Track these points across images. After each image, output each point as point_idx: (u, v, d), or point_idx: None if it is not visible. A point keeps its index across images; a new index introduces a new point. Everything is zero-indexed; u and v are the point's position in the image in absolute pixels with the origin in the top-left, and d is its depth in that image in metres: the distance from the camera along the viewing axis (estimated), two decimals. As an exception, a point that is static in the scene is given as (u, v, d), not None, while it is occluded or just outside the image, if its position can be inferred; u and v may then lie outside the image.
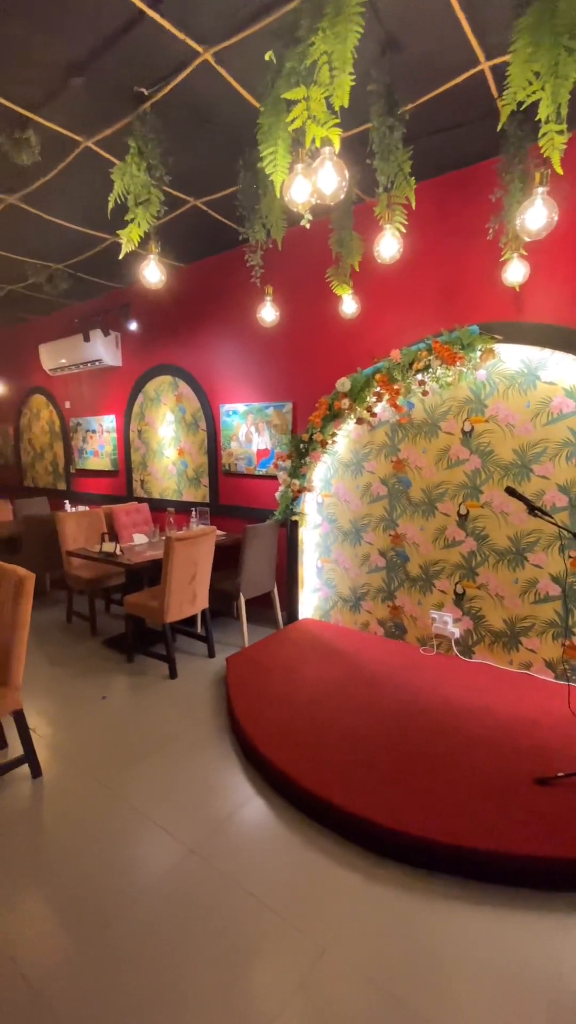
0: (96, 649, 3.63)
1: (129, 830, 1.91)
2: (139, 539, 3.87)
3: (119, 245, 3.65)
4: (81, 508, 5.13)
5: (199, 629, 3.87)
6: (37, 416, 6.31)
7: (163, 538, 3.93)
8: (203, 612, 3.43)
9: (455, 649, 3.09)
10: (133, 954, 1.46)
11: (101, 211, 3.16)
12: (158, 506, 4.82)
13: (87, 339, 4.74)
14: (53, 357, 5.41)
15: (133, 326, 4.66)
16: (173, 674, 3.16)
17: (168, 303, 4.45)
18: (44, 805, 2.08)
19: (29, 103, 2.25)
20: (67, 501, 5.41)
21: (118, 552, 3.40)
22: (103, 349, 4.86)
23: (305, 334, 3.61)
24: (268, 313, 2.98)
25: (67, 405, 5.81)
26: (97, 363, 4.99)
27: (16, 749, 2.38)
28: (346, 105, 1.51)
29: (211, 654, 3.46)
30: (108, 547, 3.45)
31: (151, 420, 4.80)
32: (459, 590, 3.05)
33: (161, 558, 3.17)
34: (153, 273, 2.39)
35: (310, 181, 1.72)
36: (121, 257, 2.33)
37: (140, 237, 2.23)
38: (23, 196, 3.02)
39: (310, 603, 3.83)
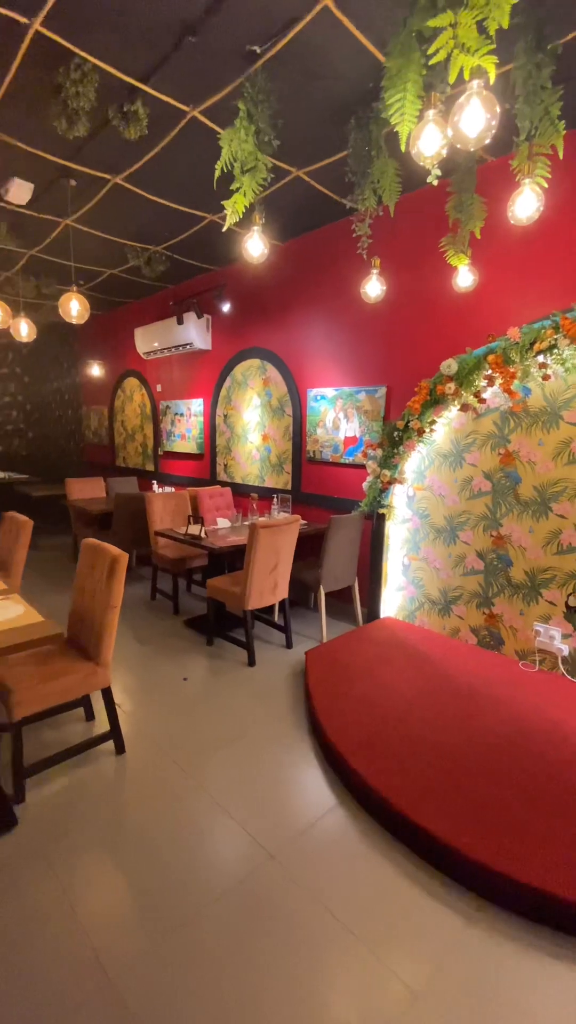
0: (177, 628, 3.68)
1: (209, 825, 1.87)
2: (222, 523, 3.85)
3: (217, 225, 3.59)
4: (167, 489, 5.26)
5: (277, 618, 3.81)
6: (130, 398, 6.54)
7: (245, 523, 3.90)
8: (282, 602, 3.35)
9: (562, 668, 2.75)
10: (208, 958, 1.40)
11: (201, 187, 3.12)
12: (240, 491, 4.80)
13: (180, 322, 4.78)
14: (147, 340, 5.54)
15: (226, 307, 4.63)
16: (251, 661, 3.11)
17: (261, 284, 4.36)
18: (126, 785, 2.10)
19: (139, 73, 2.19)
20: (154, 482, 5.57)
21: (203, 535, 3.40)
22: (195, 332, 4.89)
23: (408, 311, 3.35)
24: (373, 288, 2.77)
25: (158, 388, 5.96)
26: (188, 347, 5.04)
27: (102, 724, 2.44)
28: (505, 26, 1.26)
29: (289, 644, 3.37)
30: (194, 530, 3.46)
31: (237, 404, 4.77)
32: (572, 603, 2.70)
33: (243, 544, 3.11)
34: (256, 246, 2.27)
35: (444, 128, 1.49)
36: (225, 229, 2.23)
37: (245, 208, 2.11)
38: (128, 176, 3.02)
39: (393, 602, 3.62)
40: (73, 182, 3.08)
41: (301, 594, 4.23)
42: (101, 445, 7.35)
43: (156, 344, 5.37)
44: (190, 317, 4.85)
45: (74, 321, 3.29)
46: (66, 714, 2.51)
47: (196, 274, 4.91)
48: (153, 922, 1.51)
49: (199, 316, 4.78)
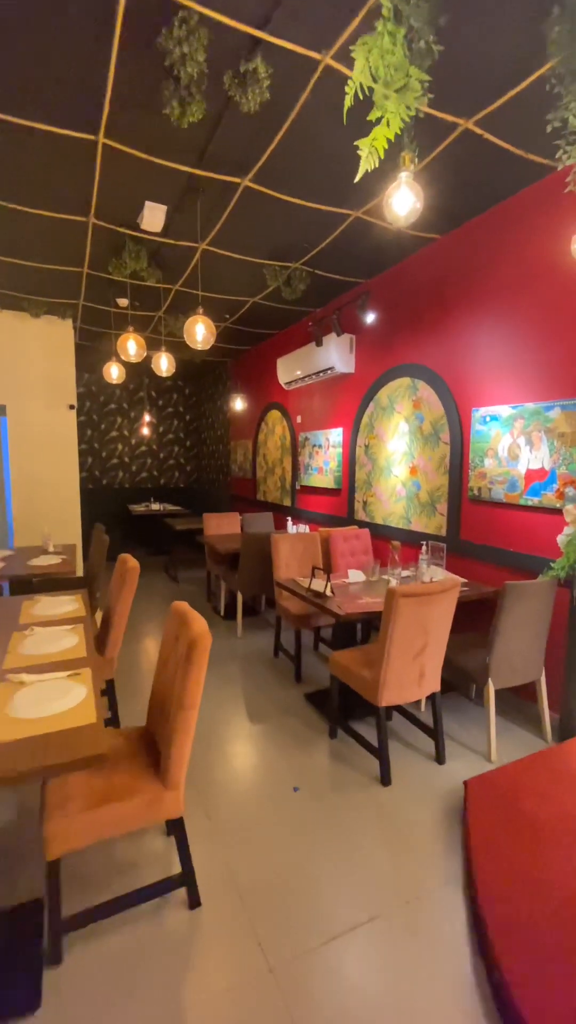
0: (296, 703, 3.02)
1: None
2: (354, 576, 3.13)
3: (362, 225, 2.99)
4: (300, 527, 4.74)
5: (423, 707, 2.91)
6: (272, 431, 6.31)
7: (384, 577, 3.11)
8: (433, 695, 2.46)
9: None
10: None
11: (341, 173, 2.57)
12: (381, 533, 4.03)
13: (319, 343, 4.31)
14: (288, 369, 5.22)
15: (370, 319, 4.02)
16: (385, 779, 2.27)
17: (413, 288, 3.65)
18: (194, 960, 1.46)
19: (252, 16, 1.73)
20: (289, 518, 5.11)
21: (328, 592, 2.71)
22: (336, 355, 4.36)
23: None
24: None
25: (298, 419, 5.58)
26: (329, 372, 4.53)
27: (174, 860, 1.85)
28: None
29: (440, 758, 2.44)
30: (317, 584, 2.81)
31: (381, 432, 4.06)
32: None
33: (379, 610, 2.34)
34: (403, 201, 1.58)
35: None
36: (358, 179, 1.59)
37: (387, 145, 1.45)
38: (256, 173, 2.63)
39: (604, 711, 2.44)
40: (200, 193, 2.81)
41: (460, 680, 3.24)
42: (245, 479, 7.27)
43: (298, 372, 5.00)
44: (330, 339, 4.35)
45: (199, 346, 2.99)
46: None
47: (339, 292, 4.42)
48: None
49: (338, 333, 4.25)
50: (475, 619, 3.09)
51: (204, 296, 4.50)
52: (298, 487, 5.58)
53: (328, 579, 2.74)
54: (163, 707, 1.72)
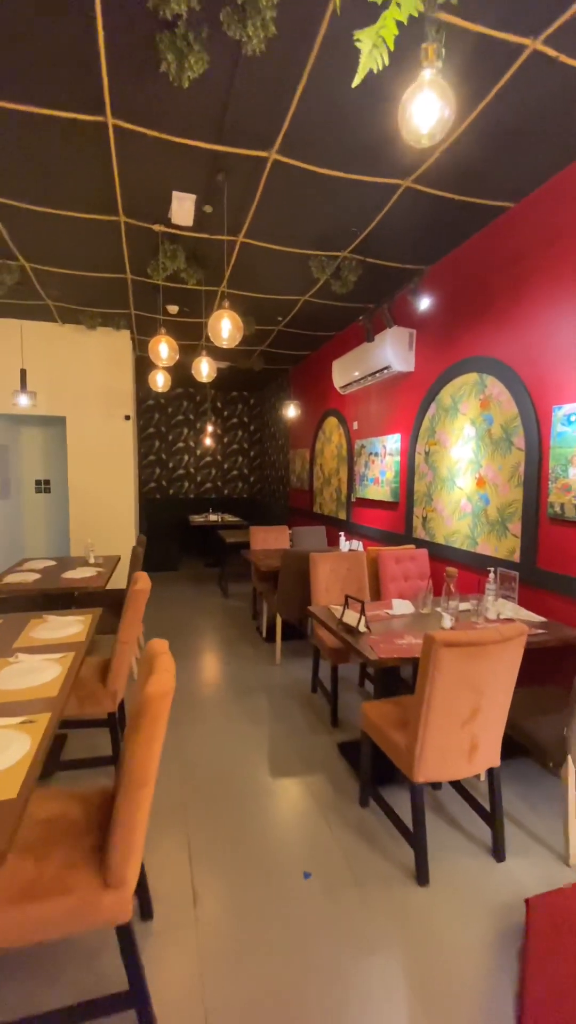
0: (327, 754, 2.58)
1: None
2: (400, 607, 2.64)
3: (414, 196, 2.58)
4: (354, 544, 4.30)
5: (482, 776, 2.34)
6: (329, 439, 5.92)
7: (436, 610, 2.60)
8: (491, 771, 1.92)
9: None
10: None
11: (381, 138, 2.16)
12: (442, 555, 3.48)
13: (370, 339, 3.88)
14: (343, 372, 4.82)
15: (425, 303, 3.53)
16: (422, 876, 1.77)
17: (480, 269, 3.11)
18: None
19: None
20: (342, 533, 4.69)
21: (362, 628, 2.27)
22: (392, 352, 3.90)
23: None
24: None
25: (354, 426, 5.14)
26: (386, 371, 4.07)
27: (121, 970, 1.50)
28: None
29: (498, 854, 1.89)
30: (350, 616, 2.36)
31: (443, 437, 3.53)
32: None
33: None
34: (428, 107, 1.15)
35: None
36: (356, 83, 1.17)
37: (400, 22, 1.04)
38: (282, 143, 2.30)
39: None
40: (221, 176, 2.53)
41: (532, 750, 2.62)
42: (302, 490, 6.93)
43: (356, 373, 4.58)
44: (385, 335, 3.89)
45: (224, 344, 2.70)
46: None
47: (395, 283, 3.95)
48: None
49: (389, 324, 3.79)
50: (552, 669, 2.48)
51: (251, 297, 4.26)
52: (353, 499, 5.13)
53: (363, 611, 2.29)
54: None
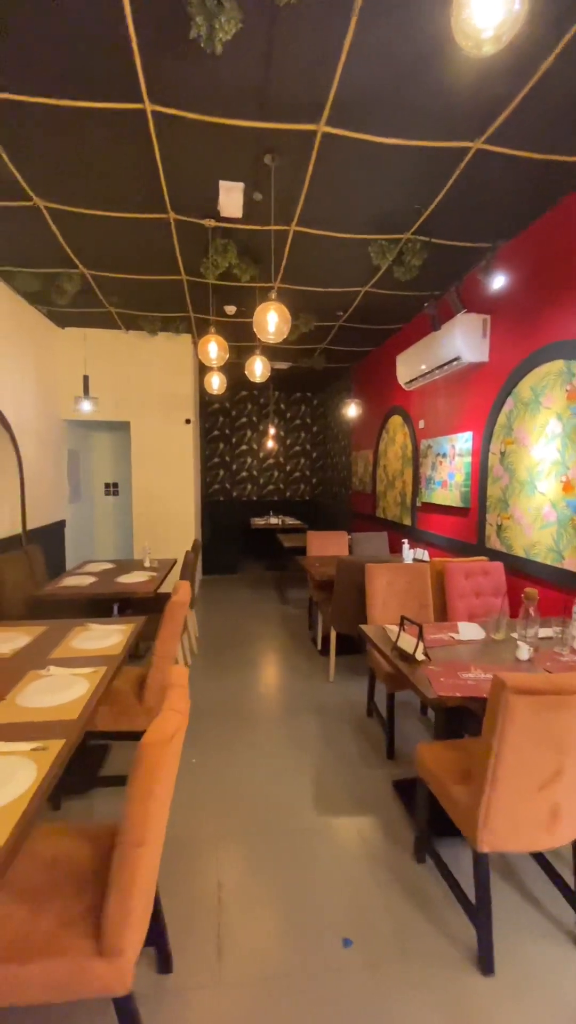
0: (380, 791, 2.31)
1: None
2: (468, 631, 2.31)
3: (486, 160, 2.30)
4: (419, 552, 3.97)
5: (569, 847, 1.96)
6: (393, 439, 5.57)
7: (511, 635, 2.24)
8: (576, 843, 1.56)
9: None
10: None
11: (447, 92, 1.85)
12: (521, 569, 3.06)
13: (436, 327, 3.52)
14: (409, 366, 4.48)
15: (499, 285, 3.14)
16: (486, 962, 1.47)
17: (567, 242, 2.69)
18: None
19: None
20: (405, 540, 4.35)
21: (419, 656, 1.98)
22: (462, 341, 3.52)
23: None
24: None
25: (420, 425, 4.77)
26: (455, 363, 3.70)
27: None
28: None
29: (587, 948, 1.53)
30: (406, 641, 2.08)
31: (522, 435, 3.11)
32: None
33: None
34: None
35: None
36: None
37: None
38: (331, 113, 2.07)
39: None
40: (268, 157, 2.35)
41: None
42: (364, 493, 6.61)
43: (423, 367, 4.23)
44: (454, 324, 3.52)
45: (271, 338, 2.52)
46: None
47: (466, 265, 3.56)
48: None
49: (457, 309, 3.42)
50: None
51: (309, 291, 4.06)
52: (419, 504, 4.76)
53: (420, 636, 2.00)
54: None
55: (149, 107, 2.04)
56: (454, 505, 4.00)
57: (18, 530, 4.17)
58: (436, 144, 2.26)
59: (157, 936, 1.47)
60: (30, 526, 4.39)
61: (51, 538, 4.94)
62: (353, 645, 4.16)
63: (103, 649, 2.16)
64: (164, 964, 1.48)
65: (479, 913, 1.49)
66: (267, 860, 1.90)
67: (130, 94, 1.98)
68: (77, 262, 3.51)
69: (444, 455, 4.18)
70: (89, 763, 2.44)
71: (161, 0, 1.57)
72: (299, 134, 2.21)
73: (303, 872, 1.84)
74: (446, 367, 3.84)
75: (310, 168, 2.44)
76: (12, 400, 4.08)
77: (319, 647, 4.14)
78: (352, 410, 6.04)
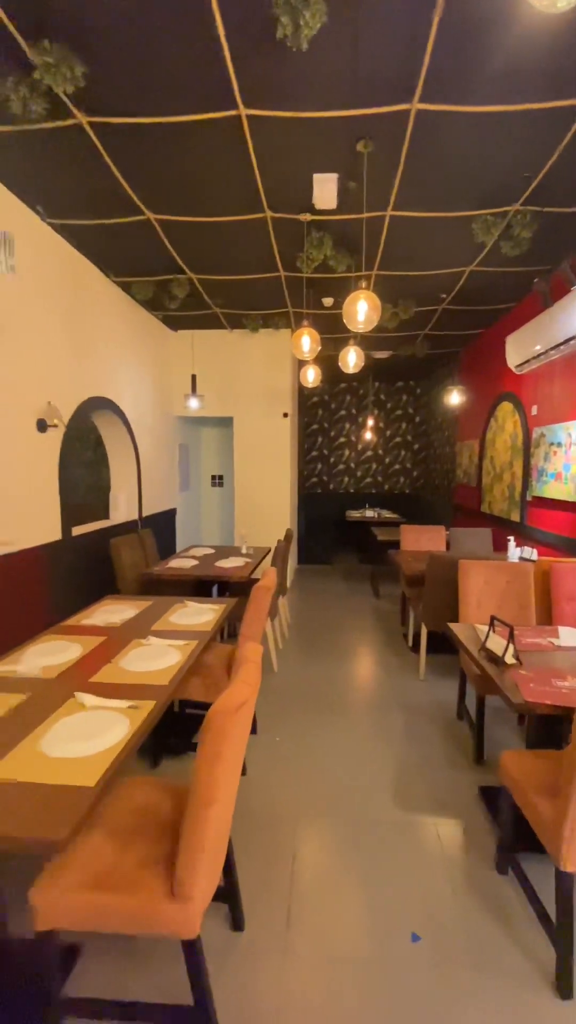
0: (465, 796, 2.21)
1: None
2: (568, 637, 2.10)
3: None
4: (526, 551, 3.68)
5: None
6: (501, 428, 5.18)
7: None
8: None
9: None
10: None
11: (559, 45, 1.68)
12: None
13: (547, 304, 3.20)
14: (519, 348, 4.12)
15: None
16: (564, 985, 1.36)
17: None
18: None
19: None
20: (511, 538, 4.05)
21: (509, 659, 1.85)
22: (581, 317, 3.16)
23: None
24: None
25: (533, 411, 4.38)
26: (573, 342, 3.34)
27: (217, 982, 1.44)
28: None
29: None
30: (495, 643, 1.96)
31: None
32: None
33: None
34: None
35: None
36: None
37: None
38: (424, 88, 1.97)
39: None
40: (361, 144, 2.31)
41: None
42: (469, 487, 6.24)
43: (537, 347, 3.87)
44: (570, 301, 3.17)
45: (360, 328, 2.50)
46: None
47: (593, 229, 3.18)
48: None
49: (571, 282, 3.06)
50: None
51: (408, 277, 3.93)
52: (529, 498, 4.38)
53: (511, 638, 1.88)
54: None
55: (244, 112, 2.13)
56: (569, 500, 3.63)
57: (135, 516, 4.64)
58: (543, 106, 2.05)
59: (230, 894, 1.58)
60: (145, 513, 4.86)
61: (163, 524, 5.41)
62: (447, 645, 3.98)
63: (196, 625, 2.35)
64: (236, 922, 1.59)
65: (560, 933, 1.38)
66: (341, 843, 1.93)
67: (225, 102, 2.08)
68: (185, 267, 3.77)
69: (559, 444, 3.80)
70: (185, 729, 2.67)
71: (247, 7, 1.63)
72: (391, 116, 2.14)
73: (376, 862, 1.85)
74: (563, 346, 3.48)
75: (404, 149, 2.36)
76: (131, 400, 4.52)
77: (410, 644, 4.03)
78: (456, 397, 5.73)
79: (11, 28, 1.71)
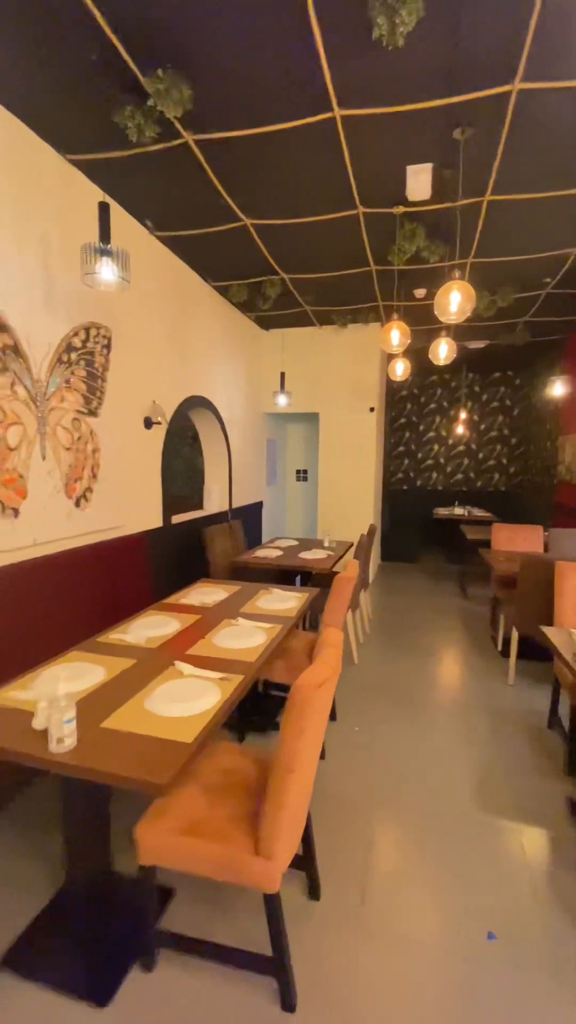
0: (554, 806, 2.11)
1: None
2: None
3: None
4: None
5: None
6: (612, 421, 4.74)
7: None
8: None
9: None
10: None
11: None
12: None
13: None
14: None
15: None
16: None
17: None
18: None
19: None
20: (619, 541, 3.72)
21: (608, 667, 1.74)
22: None
23: None
24: None
25: None
26: None
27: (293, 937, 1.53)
28: None
29: None
30: (593, 649, 1.85)
31: None
32: None
33: None
34: None
35: None
36: None
37: None
38: (527, 69, 1.88)
39: None
40: (458, 131, 2.25)
41: None
42: (573, 484, 5.77)
43: None
44: None
45: (453, 319, 2.44)
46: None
47: None
48: None
49: None
50: None
51: (506, 263, 3.73)
52: None
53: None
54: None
55: (338, 113, 2.18)
56: None
57: (225, 507, 4.91)
58: None
59: (307, 863, 1.68)
60: (235, 505, 5.12)
61: (251, 515, 5.65)
62: (540, 650, 3.76)
63: (281, 610, 2.47)
64: (313, 891, 1.68)
65: None
66: (418, 834, 1.95)
67: (320, 106, 2.14)
68: (277, 268, 3.91)
69: None
70: (268, 709, 2.82)
71: (342, 11, 1.67)
72: (491, 99, 2.07)
73: (454, 857, 1.84)
74: None
75: (504, 132, 2.26)
76: (224, 398, 4.78)
77: (499, 647, 3.86)
78: (559, 388, 5.32)
79: (129, 61, 1.90)
